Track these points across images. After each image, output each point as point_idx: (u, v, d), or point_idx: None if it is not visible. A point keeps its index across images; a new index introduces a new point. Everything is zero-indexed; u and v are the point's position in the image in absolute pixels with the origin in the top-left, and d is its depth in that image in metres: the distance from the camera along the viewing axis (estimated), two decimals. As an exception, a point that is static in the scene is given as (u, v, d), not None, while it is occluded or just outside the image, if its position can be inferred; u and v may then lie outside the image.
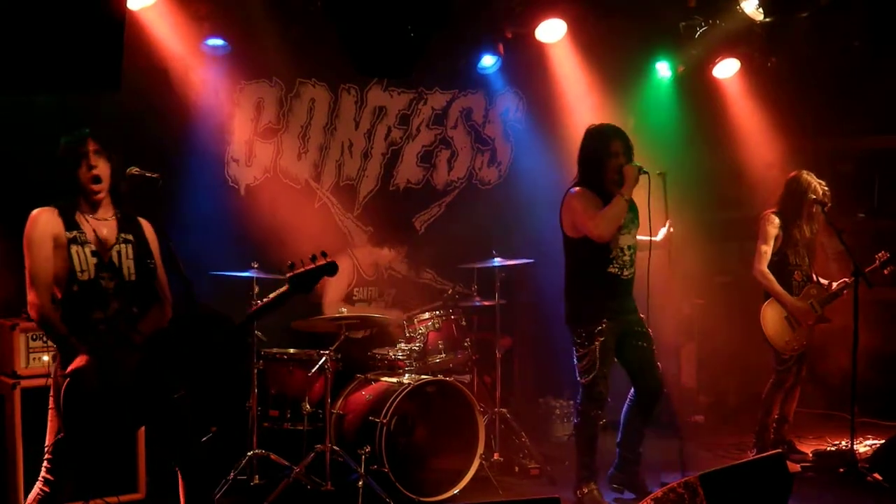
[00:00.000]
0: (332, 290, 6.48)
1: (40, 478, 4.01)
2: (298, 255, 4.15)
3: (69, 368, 3.87)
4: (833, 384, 7.24)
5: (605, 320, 5.40)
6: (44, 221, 4.01)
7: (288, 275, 4.05)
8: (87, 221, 4.07)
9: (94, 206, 4.11)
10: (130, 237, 4.16)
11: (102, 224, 4.11)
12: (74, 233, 4.01)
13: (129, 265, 4.10)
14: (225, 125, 6.57)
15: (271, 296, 4.15)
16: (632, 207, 5.44)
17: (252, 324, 4.04)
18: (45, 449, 4.00)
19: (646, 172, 5.34)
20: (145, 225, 4.26)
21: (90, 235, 4.05)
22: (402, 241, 6.80)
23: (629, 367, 5.59)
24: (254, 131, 6.71)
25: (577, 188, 5.46)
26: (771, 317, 6.27)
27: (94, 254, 4.03)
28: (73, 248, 3.99)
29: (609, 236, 5.32)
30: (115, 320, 4.04)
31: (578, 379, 5.49)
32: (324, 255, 4.05)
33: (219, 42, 6.21)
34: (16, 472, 5.07)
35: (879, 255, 6.27)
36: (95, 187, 4.08)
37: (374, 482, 5.49)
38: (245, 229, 6.43)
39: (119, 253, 4.10)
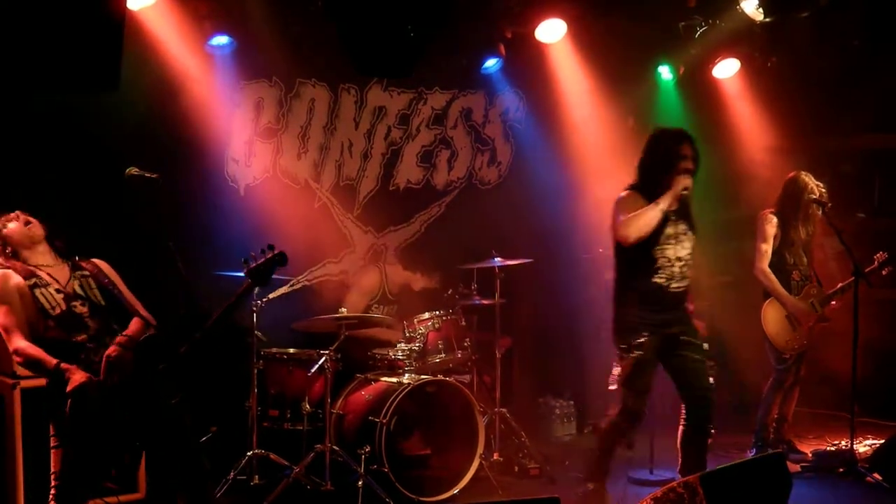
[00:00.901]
0: (357, 300, 6.53)
1: None
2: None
3: (69, 388, 3.96)
4: (833, 384, 7.23)
5: (645, 334, 5.02)
6: (6, 278, 4.16)
7: (245, 270, 4.18)
8: (41, 270, 4.24)
9: (34, 244, 4.27)
10: (86, 273, 4.34)
11: (54, 270, 4.28)
12: (34, 279, 4.19)
13: (94, 293, 4.27)
14: (224, 125, 6.56)
15: (236, 293, 4.25)
16: (686, 218, 5.19)
17: (223, 323, 4.14)
18: (52, 476, 4.09)
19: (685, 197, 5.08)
20: (100, 264, 4.44)
21: (48, 279, 4.22)
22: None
23: (674, 377, 5.19)
24: (253, 131, 6.71)
25: (627, 192, 5.14)
26: (772, 316, 6.27)
27: (58, 291, 4.19)
28: (38, 292, 4.15)
29: (633, 240, 4.97)
30: (99, 337, 4.15)
31: (619, 387, 5.25)
32: (271, 248, 4.22)
33: (224, 40, 6.20)
34: (15, 472, 5.05)
35: (878, 255, 6.27)
36: (30, 227, 4.28)
37: (374, 482, 5.48)
38: (245, 229, 6.41)
39: (82, 285, 4.27)
